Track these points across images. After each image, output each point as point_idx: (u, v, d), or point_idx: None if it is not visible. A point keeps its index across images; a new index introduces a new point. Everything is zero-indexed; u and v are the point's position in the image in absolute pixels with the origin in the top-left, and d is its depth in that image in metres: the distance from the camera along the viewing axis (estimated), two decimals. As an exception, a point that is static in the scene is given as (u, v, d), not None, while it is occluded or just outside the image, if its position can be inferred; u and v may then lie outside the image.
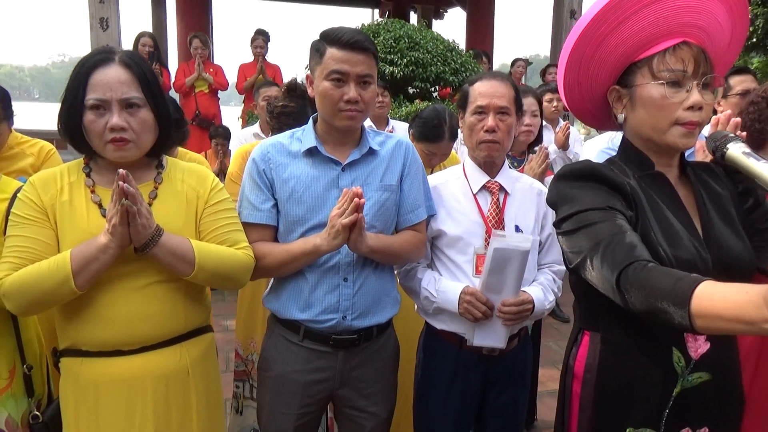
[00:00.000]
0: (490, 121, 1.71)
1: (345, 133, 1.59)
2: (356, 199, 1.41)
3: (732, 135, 1.04)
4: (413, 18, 11.86)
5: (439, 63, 5.19)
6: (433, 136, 2.37)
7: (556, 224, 1.23)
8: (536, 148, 2.76)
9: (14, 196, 1.44)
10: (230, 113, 7.63)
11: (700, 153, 1.73)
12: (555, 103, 4.02)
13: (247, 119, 5.60)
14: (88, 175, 1.41)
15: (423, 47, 5.18)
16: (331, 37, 1.50)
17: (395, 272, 1.77)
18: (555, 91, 4.20)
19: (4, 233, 1.40)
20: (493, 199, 1.77)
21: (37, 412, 1.53)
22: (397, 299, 1.71)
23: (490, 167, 1.79)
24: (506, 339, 1.69)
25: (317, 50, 1.54)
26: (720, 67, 1.29)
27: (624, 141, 1.29)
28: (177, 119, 2.06)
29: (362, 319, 1.59)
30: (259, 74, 5.94)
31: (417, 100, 5.08)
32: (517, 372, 1.80)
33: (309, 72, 1.61)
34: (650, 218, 1.16)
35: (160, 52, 5.90)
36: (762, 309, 0.81)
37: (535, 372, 2.97)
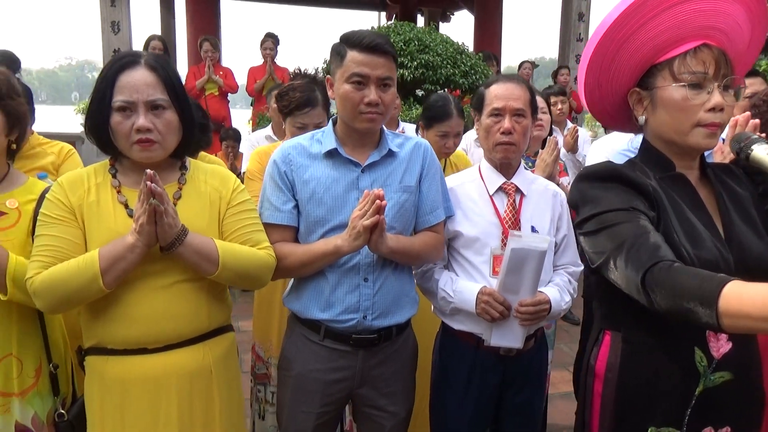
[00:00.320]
0: (506, 123, 1.73)
1: (365, 135, 1.61)
2: (378, 201, 1.43)
3: (756, 136, 1.05)
4: (420, 21, 11.89)
5: (448, 65, 5.21)
6: (442, 115, 2.50)
7: (578, 225, 1.24)
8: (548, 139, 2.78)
9: (42, 197, 1.47)
10: (236, 116, 7.66)
11: (718, 154, 1.74)
12: (560, 106, 4.04)
13: (258, 121, 5.63)
14: (114, 176, 1.44)
15: (433, 50, 5.21)
16: (351, 40, 1.52)
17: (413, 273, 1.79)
18: (559, 93, 4.22)
19: (33, 233, 1.43)
20: (509, 200, 1.78)
21: (62, 411, 1.55)
22: (416, 299, 1.72)
23: (506, 169, 1.81)
24: (523, 339, 1.70)
25: (338, 53, 1.56)
26: (740, 68, 1.30)
27: (644, 143, 1.30)
28: (203, 124, 2.08)
29: (382, 319, 1.60)
30: (268, 76, 5.98)
31: (426, 103, 5.10)
32: (533, 372, 1.81)
33: (329, 75, 1.63)
34: (672, 219, 1.17)
35: (169, 55, 5.95)
36: None
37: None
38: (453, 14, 12.66)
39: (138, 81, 1.35)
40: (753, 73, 2.71)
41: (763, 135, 1.21)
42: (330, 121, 1.67)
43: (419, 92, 5.28)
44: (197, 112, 1.56)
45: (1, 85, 1.46)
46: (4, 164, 1.55)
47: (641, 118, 1.28)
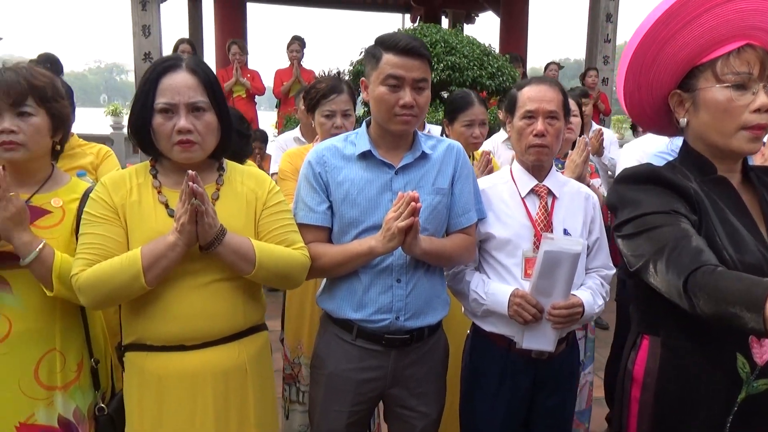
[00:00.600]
0: (539, 125, 1.72)
1: (398, 137, 1.62)
2: (413, 203, 1.44)
3: (804, 139, 1.03)
4: (444, 23, 11.87)
5: (475, 67, 5.18)
6: (464, 104, 2.59)
7: (617, 227, 1.23)
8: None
9: (85, 196, 1.51)
10: (261, 118, 7.75)
11: (758, 158, 1.70)
12: (583, 108, 4.00)
13: (285, 123, 5.69)
14: (154, 176, 1.47)
15: (459, 51, 5.19)
16: (387, 43, 1.54)
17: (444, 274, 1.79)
18: (581, 96, 4.19)
19: (76, 231, 1.47)
20: (541, 202, 1.77)
21: (102, 404, 1.59)
22: (447, 301, 1.73)
23: (538, 171, 1.80)
24: (555, 342, 1.69)
25: (373, 56, 1.57)
26: None
27: (685, 145, 1.29)
28: (243, 133, 2.10)
29: (415, 320, 1.61)
30: (295, 79, 6.04)
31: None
32: (564, 375, 1.80)
33: (363, 77, 1.64)
34: (715, 223, 1.15)
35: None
36: None
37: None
38: (477, 16, 12.61)
39: (179, 83, 1.39)
40: None
41: None
42: (363, 123, 1.68)
43: (445, 94, 5.27)
44: (238, 122, 1.59)
45: (46, 88, 1.50)
46: (48, 164, 1.60)
47: (682, 121, 1.26)
